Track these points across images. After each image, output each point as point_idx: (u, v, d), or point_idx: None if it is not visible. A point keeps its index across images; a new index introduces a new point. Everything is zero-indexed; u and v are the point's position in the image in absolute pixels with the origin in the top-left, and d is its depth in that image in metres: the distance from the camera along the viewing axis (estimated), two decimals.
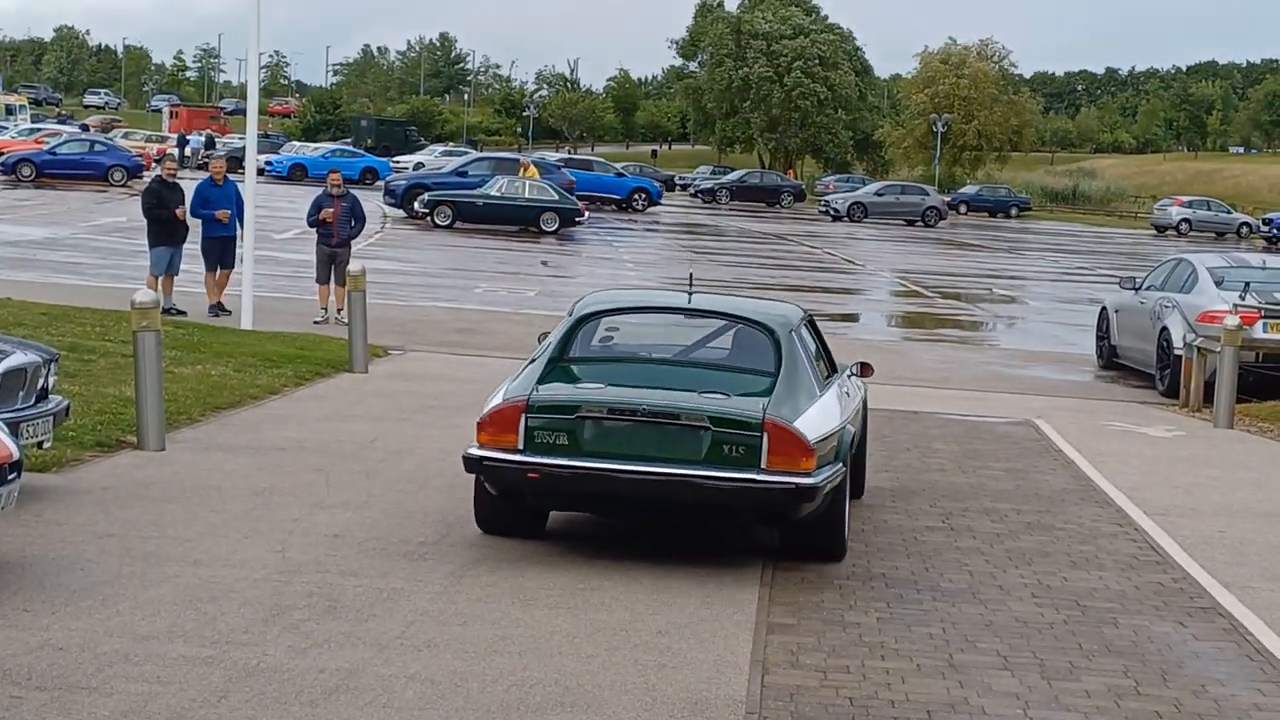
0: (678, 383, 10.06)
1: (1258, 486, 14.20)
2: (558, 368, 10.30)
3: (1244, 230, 78.18)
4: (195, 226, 21.84)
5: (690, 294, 11.14)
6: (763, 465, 9.46)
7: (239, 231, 21.64)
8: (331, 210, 22.17)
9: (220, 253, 21.97)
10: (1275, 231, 70.32)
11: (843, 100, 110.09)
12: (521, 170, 50.11)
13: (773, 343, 10.50)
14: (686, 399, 9.74)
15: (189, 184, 22.46)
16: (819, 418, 9.94)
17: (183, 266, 21.93)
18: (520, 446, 9.61)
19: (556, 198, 46.62)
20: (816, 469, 9.56)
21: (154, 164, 60.11)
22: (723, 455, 9.49)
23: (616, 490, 9.56)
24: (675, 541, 10.39)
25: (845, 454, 10.21)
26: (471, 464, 9.72)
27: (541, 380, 9.98)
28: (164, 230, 21.46)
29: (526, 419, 9.61)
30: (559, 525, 10.63)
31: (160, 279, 21.25)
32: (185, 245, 21.80)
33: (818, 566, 10.00)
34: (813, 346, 11.12)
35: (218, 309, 21.81)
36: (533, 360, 10.47)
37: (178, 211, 21.47)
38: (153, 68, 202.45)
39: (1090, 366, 23.84)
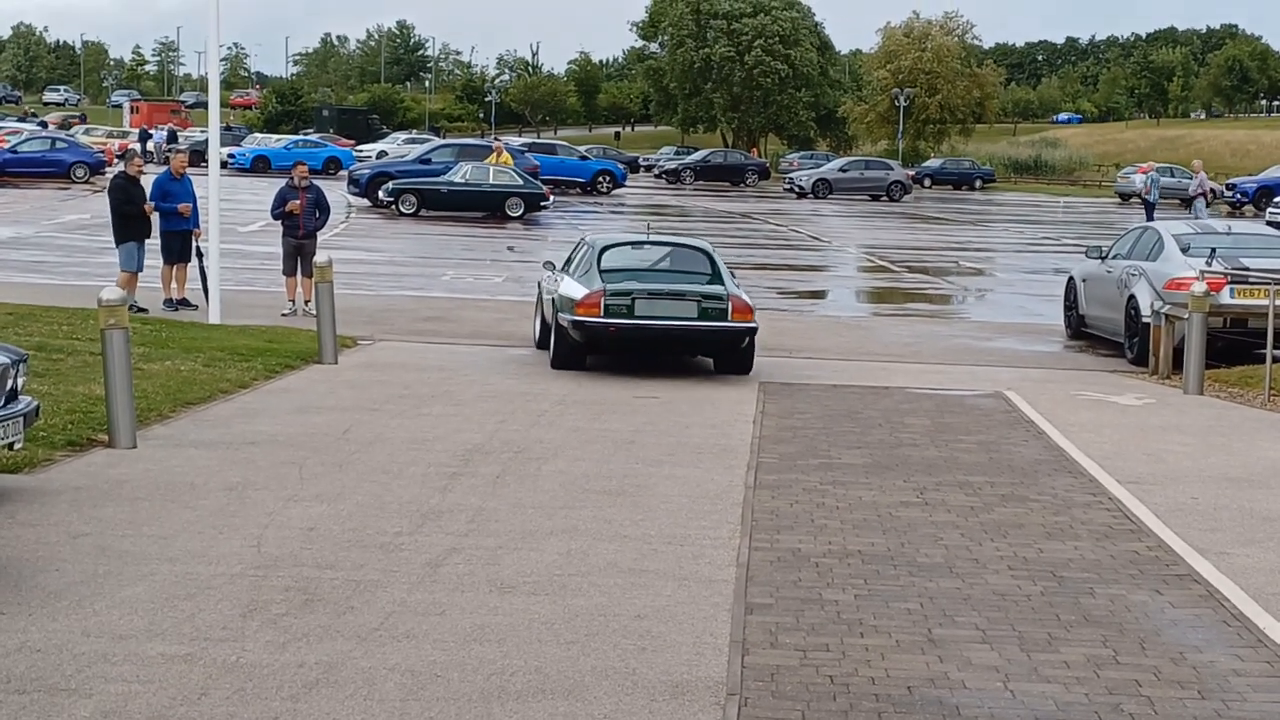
0: (672, 279, 17.89)
1: (1229, 452, 14.25)
2: (604, 273, 17.62)
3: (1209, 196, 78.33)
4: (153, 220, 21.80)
5: (649, 233, 20.54)
6: (729, 319, 17.24)
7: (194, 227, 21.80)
8: (297, 202, 22.12)
9: (180, 247, 21.94)
10: (1238, 196, 70.44)
11: (804, 77, 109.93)
12: (495, 155, 50.00)
13: (707, 257, 18.44)
14: (685, 286, 17.49)
15: (151, 181, 22.36)
16: (746, 295, 17.77)
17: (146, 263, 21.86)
18: (601, 314, 17.03)
19: (521, 183, 46.51)
20: (752, 320, 17.36)
21: (116, 159, 59.91)
22: (708, 314, 17.22)
23: (651, 335, 17.26)
24: (650, 520, 10.41)
25: (755, 316, 17.58)
26: (575, 324, 17.10)
27: (604, 280, 17.36)
28: (132, 226, 21.41)
29: (604, 299, 17.06)
30: (534, 509, 10.63)
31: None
32: (148, 241, 21.77)
33: (793, 545, 10.03)
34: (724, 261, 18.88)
35: (181, 304, 21.76)
36: (585, 272, 17.76)
37: (146, 207, 21.43)
38: (111, 63, 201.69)
39: (1059, 337, 23.90)
